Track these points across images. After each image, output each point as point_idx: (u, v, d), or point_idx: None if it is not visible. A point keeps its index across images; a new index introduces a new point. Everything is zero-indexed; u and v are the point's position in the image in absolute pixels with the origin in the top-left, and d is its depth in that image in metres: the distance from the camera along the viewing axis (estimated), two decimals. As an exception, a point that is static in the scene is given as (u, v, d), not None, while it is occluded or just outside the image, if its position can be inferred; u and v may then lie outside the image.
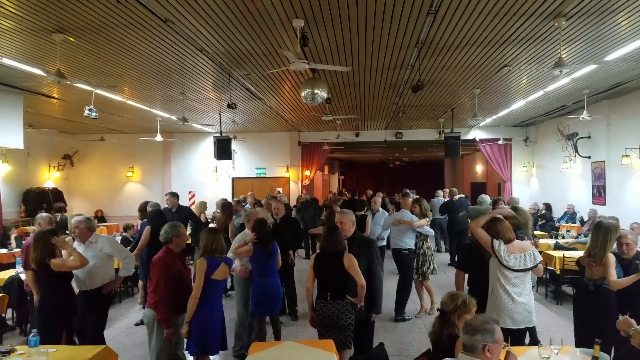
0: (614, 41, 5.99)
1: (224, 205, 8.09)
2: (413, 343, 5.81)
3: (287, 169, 15.10)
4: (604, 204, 10.16)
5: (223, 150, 10.06)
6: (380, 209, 8.15)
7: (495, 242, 3.93)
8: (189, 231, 8.94)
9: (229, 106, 8.32)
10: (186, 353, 4.36)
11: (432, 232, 7.14)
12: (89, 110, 6.98)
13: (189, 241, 8.14)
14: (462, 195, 12.04)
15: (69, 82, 6.27)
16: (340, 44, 6.10)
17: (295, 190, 15.05)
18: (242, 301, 5.31)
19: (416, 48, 6.29)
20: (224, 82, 8.10)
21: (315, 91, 6.09)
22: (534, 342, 4.91)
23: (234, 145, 13.38)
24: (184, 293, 4.12)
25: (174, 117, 10.92)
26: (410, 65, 7.13)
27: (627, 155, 9.28)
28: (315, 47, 6.20)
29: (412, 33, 5.74)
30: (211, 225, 8.92)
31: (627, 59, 6.78)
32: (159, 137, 11.11)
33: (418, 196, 7.70)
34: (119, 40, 5.83)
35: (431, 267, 6.91)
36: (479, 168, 20.79)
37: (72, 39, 5.73)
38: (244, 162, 15.15)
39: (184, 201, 13.16)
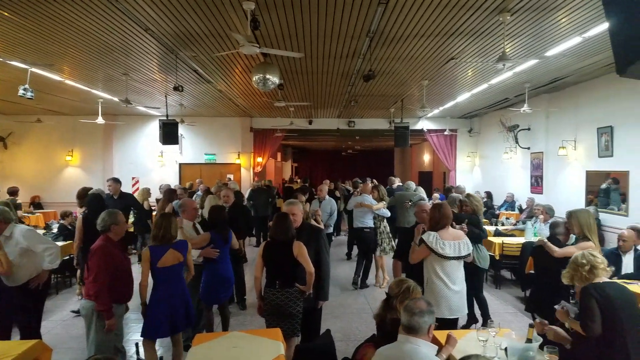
0: (555, 37, 6.27)
1: (165, 191, 7.94)
2: (360, 328, 5.93)
3: (239, 155, 14.85)
4: (541, 193, 10.74)
5: (169, 134, 9.73)
6: (327, 197, 8.29)
7: (424, 236, 4.02)
8: (132, 219, 8.64)
9: (176, 88, 8.03)
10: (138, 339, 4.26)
11: (388, 213, 7.91)
12: (24, 89, 6.54)
13: (132, 229, 7.86)
14: (401, 184, 12.25)
15: (1, 60, 5.82)
16: (292, 29, 6.01)
17: (246, 177, 14.85)
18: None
19: (368, 38, 6.31)
20: (170, 64, 7.80)
21: (267, 76, 5.99)
22: (486, 319, 5.22)
23: (182, 130, 13.02)
24: (125, 283, 4.05)
25: (116, 99, 10.43)
26: (362, 54, 7.16)
27: (563, 147, 9.83)
28: (267, 31, 6.08)
29: (364, 22, 5.75)
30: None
31: (566, 55, 7.13)
32: (100, 120, 10.58)
33: (377, 183, 8.61)
34: (57, 15, 5.45)
35: (390, 244, 7.74)
36: (427, 157, 21.38)
37: (5, 13, 5.32)
38: (192, 148, 14.73)
39: (127, 187, 12.69)
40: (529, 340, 2.77)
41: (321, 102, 11.90)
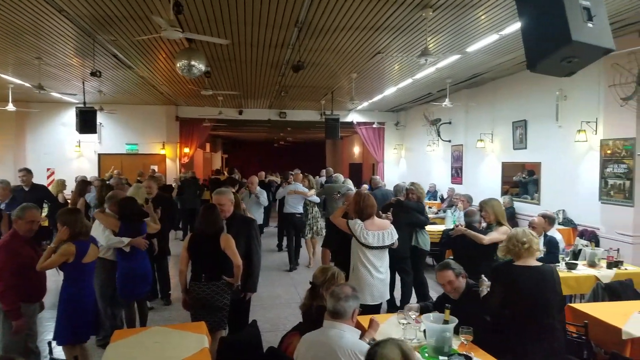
0: (474, 34, 6.60)
1: (77, 183, 7.52)
2: (289, 318, 5.94)
3: (163, 145, 14.21)
4: (461, 183, 11.38)
5: (87, 122, 9.14)
6: (259, 188, 8.27)
7: (351, 222, 4.12)
8: (45, 212, 8.03)
9: (93, 74, 7.53)
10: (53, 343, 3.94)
11: (317, 199, 8.77)
12: None
13: (46, 223, 7.31)
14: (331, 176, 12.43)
15: None
16: (218, 15, 5.84)
17: (172, 169, 14.30)
18: (100, 287, 4.90)
19: (296, 28, 6.29)
20: (87, 48, 7.31)
21: (192, 63, 5.78)
22: (425, 299, 5.51)
23: (101, 118, 12.31)
24: (35, 281, 3.75)
25: (28, 84, 9.61)
26: (291, 44, 7.12)
27: (481, 140, 10.45)
28: (192, 16, 5.86)
29: (292, 12, 5.72)
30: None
31: (484, 51, 7.55)
32: (11, 107, 9.74)
33: (307, 173, 9.60)
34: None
35: (319, 227, 8.55)
36: (357, 149, 21.85)
37: None
38: (112, 137, 13.91)
39: (42, 179, 11.76)
40: (445, 322, 2.92)
41: (251, 92, 11.73)
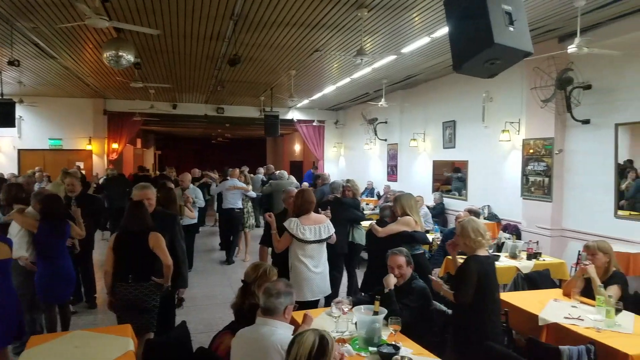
0: (408, 35, 6.79)
1: None
2: (224, 318, 5.79)
3: (90, 140, 13.40)
4: (396, 181, 11.72)
5: (5, 116, 8.43)
6: (192, 185, 8.05)
7: (285, 223, 4.12)
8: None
9: (11, 63, 7.01)
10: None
11: (254, 194, 9.03)
12: None
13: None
14: (276, 173, 12.41)
15: None
16: (148, 5, 5.60)
17: (100, 165, 13.54)
18: (16, 290, 4.56)
19: (232, 21, 6.16)
20: (4, 35, 6.76)
21: (120, 53, 5.59)
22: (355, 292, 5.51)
23: (20, 111, 11.44)
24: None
25: None
26: (227, 38, 6.98)
27: (414, 139, 10.82)
28: (120, 5, 5.57)
29: (227, 4, 5.60)
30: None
31: (417, 53, 7.80)
32: None
33: (245, 169, 9.98)
34: None
35: (252, 223, 8.87)
36: (297, 147, 21.87)
37: None
38: (34, 132, 12.93)
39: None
40: (375, 313, 2.99)
41: (186, 86, 11.37)
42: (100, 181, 11.24)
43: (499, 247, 6.05)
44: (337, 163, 16.20)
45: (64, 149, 13.21)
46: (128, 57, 5.63)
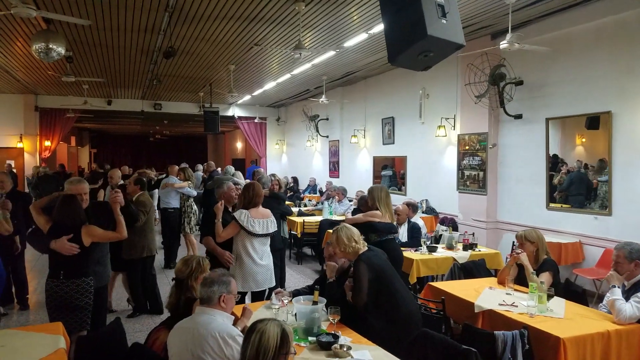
0: (346, 31, 6.83)
1: None
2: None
3: (21, 138, 12.68)
4: (338, 177, 11.84)
5: None
6: (122, 181, 7.72)
7: (236, 213, 4.16)
8: None
9: None
10: None
11: (194, 192, 8.25)
12: None
13: None
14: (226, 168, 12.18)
15: None
16: (78, -7, 5.29)
17: (31, 163, 12.75)
18: None
19: (167, 13, 5.95)
20: None
21: (50, 45, 5.41)
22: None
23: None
24: None
25: None
26: (162, 31, 6.72)
27: (355, 135, 10.97)
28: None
29: (161, -5, 5.39)
30: None
31: (355, 50, 7.88)
32: None
33: (185, 166, 9.22)
34: None
35: (193, 224, 8.10)
36: (239, 145, 21.57)
37: None
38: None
39: None
40: (315, 303, 2.99)
41: (120, 80, 10.86)
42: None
43: (437, 239, 6.25)
44: (280, 160, 16.13)
45: (-7, 147, 12.32)
46: (58, 49, 5.41)
